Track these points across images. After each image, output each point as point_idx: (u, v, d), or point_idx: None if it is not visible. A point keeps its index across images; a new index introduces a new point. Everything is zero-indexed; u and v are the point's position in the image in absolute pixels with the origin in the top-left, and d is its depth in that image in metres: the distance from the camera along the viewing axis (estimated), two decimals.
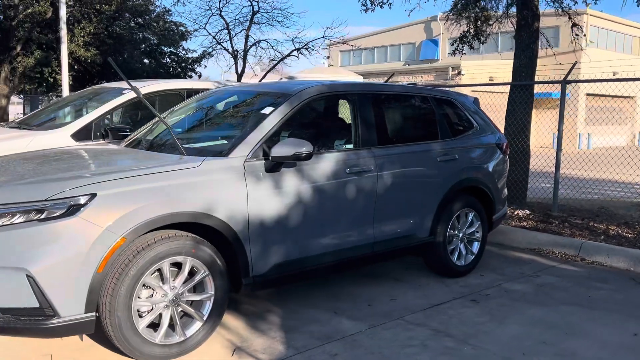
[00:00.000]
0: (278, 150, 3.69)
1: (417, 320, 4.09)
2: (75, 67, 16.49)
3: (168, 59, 19.58)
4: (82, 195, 3.11)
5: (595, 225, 6.79)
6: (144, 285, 3.30)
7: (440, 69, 27.12)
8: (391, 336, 3.82)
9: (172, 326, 3.43)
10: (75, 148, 4.67)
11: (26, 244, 3.02)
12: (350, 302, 4.42)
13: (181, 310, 3.47)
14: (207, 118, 4.72)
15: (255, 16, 15.61)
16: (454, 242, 5.08)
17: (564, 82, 7.28)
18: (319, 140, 4.33)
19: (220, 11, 15.61)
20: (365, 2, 9.10)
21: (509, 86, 8.11)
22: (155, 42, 18.96)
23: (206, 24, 16.51)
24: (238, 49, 15.91)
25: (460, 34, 9.39)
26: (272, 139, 3.86)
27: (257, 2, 15.43)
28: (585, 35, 9.03)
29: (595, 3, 9.48)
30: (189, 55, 19.46)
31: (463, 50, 9.43)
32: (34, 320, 3.06)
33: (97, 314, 3.19)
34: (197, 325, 3.50)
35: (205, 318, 3.52)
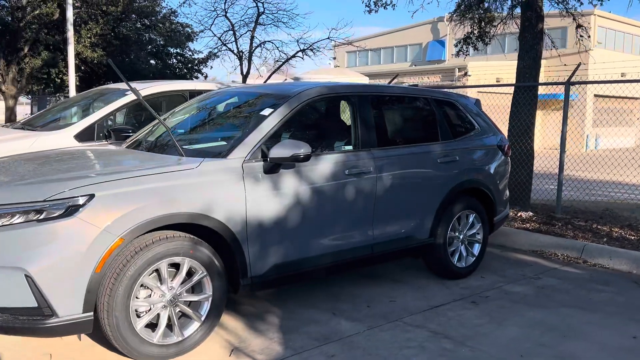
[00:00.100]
0: (276, 152, 3.71)
1: (415, 322, 4.09)
2: (82, 68, 16.57)
3: (174, 60, 19.63)
4: (81, 196, 3.13)
5: (598, 227, 6.76)
6: (142, 285, 3.32)
7: (447, 70, 27.08)
8: (389, 337, 3.82)
9: (170, 326, 3.45)
10: (76, 149, 4.70)
11: (25, 244, 3.05)
12: (349, 303, 4.43)
13: (179, 311, 3.49)
14: (207, 119, 4.74)
15: (261, 17, 15.63)
16: (455, 243, 5.07)
17: (568, 84, 7.25)
18: (319, 142, 4.34)
19: (226, 12, 15.63)
20: (369, 3, 9.11)
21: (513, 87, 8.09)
22: (161, 43, 19.02)
23: (211, 25, 16.57)
24: (243, 50, 15.95)
25: (464, 35, 9.37)
26: (271, 140, 3.87)
27: (262, 3, 15.46)
28: (589, 36, 8.96)
29: (602, 4, 9.43)
30: (195, 56, 19.53)
31: (467, 51, 9.41)
32: (33, 320, 3.08)
33: (95, 314, 3.21)
34: (195, 325, 3.52)
35: (203, 318, 3.54)
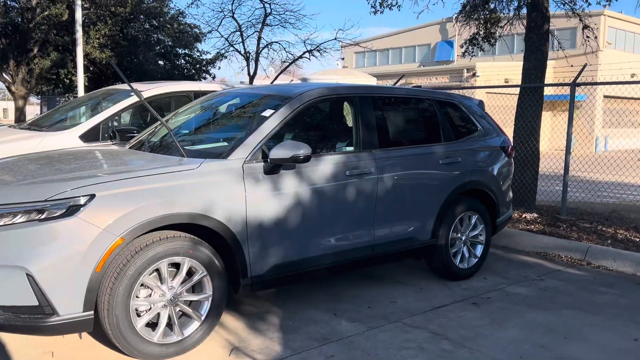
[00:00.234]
0: (276, 153, 3.72)
1: (415, 323, 4.10)
2: (91, 68, 16.69)
3: (182, 61, 19.71)
4: (82, 196, 3.17)
5: (603, 229, 6.73)
6: (142, 284, 3.35)
7: (455, 70, 26.99)
8: (389, 338, 3.83)
9: (170, 325, 3.48)
10: (79, 149, 4.74)
11: (26, 243, 3.09)
12: (350, 304, 4.44)
13: (179, 310, 3.51)
14: (209, 120, 4.77)
15: (268, 18, 15.69)
16: (457, 245, 5.07)
17: (573, 85, 7.22)
18: (320, 143, 4.36)
19: (233, 13, 15.71)
20: (374, 4, 9.12)
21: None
22: (169, 43, 19.10)
23: (219, 26, 16.64)
24: (250, 51, 16.00)
25: (470, 36, 9.35)
26: (273, 141, 3.89)
27: (270, 4, 15.51)
28: (596, 37, 8.91)
29: (609, 4, 9.38)
30: (203, 57, 19.60)
31: (473, 52, 9.39)
32: (34, 318, 3.12)
33: (96, 313, 3.24)
34: (195, 325, 3.55)
35: (203, 318, 3.56)
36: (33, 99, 30.95)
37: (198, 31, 18.76)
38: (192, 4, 23.50)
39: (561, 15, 9.78)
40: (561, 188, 7.42)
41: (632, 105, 24.77)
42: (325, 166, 4.10)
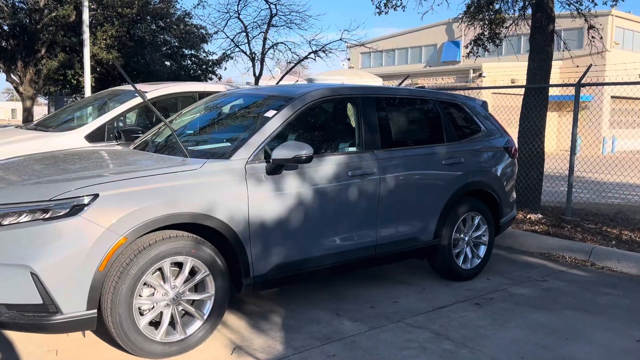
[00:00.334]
0: (278, 153, 3.75)
1: (417, 323, 4.11)
2: (98, 69, 16.80)
3: (189, 61, 19.81)
4: (85, 196, 3.20)
5: (608, 230, 6.71)
6: (145, 284, 3.38)
7: (461, 71, 26.95)
8: (390, 338, 3.84)
9: (173, 324, 3.51)
10: (84, 149, 4.79)
11: (31, 242, 3.13)
12: (352, 304, 4.45)
13: (182, 309, 3.54)
14: (213, 120, 4.79)
15: (273, 19, 15.70)
16: (460, 245, 5.07)
17: (578, 85, 7.20)
18: (322, 143, 4.38)
19: (239, 14, 15.74)
20: (379, 5, 9.14)
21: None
22: (176, 44, 19.21)
23: (224, 26, 16.69)
24: (256, 52, 16.03)
25: (475, 36, 9.35)
26: (275, 141, 3.91)
27: (275, 5, 15.54)
28: (601, 37, 8.88)
29: (616, 4, 9.35)
30: (209, 57, 19.67)
31: (477, 53, 9.39)
32: (38, 317, 3.16)
33: (99, 312, 3.27)
34: (197, 324, 3.57)
35: (205, 317, 3.59)
36: (41, 100, 31.16)
37: (204, 32, 18.85)
38: (198, 4, 23.59)
39: (567, 16, 9.75)
40: (565, 189, 7.40)
41: None
42: (328, 166, 4.12)
